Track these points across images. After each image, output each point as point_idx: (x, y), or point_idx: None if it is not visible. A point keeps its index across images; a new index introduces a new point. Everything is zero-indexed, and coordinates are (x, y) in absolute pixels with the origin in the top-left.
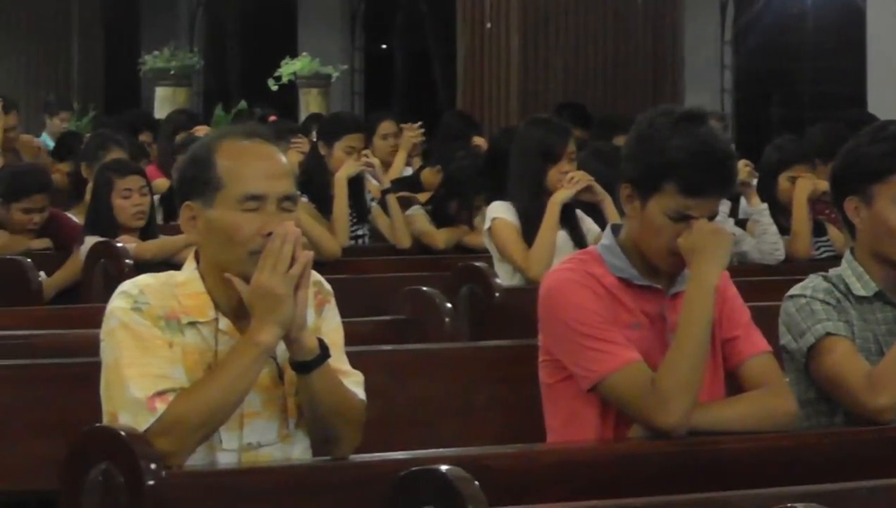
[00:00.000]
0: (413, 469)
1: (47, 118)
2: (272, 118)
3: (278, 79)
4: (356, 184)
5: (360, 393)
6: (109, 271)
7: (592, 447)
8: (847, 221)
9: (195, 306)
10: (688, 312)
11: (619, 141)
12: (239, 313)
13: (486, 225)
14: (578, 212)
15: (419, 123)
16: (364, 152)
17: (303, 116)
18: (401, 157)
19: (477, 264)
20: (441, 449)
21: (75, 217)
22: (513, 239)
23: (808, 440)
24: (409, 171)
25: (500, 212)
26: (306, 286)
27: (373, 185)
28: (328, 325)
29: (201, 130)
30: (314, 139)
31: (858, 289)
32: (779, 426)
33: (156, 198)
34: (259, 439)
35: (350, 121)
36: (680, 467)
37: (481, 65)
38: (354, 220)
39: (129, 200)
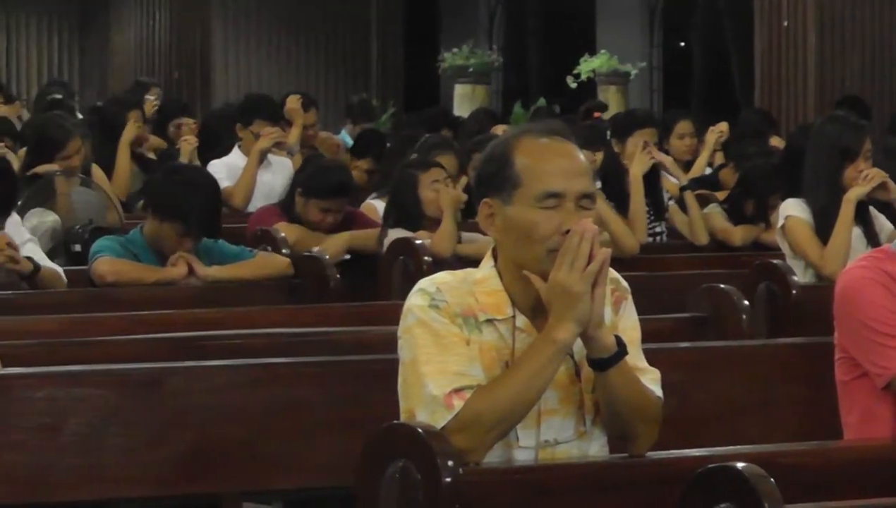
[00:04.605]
0: (710, 466)
1: (349, 121)
2: (597, 114)
3: (577, 76)
4: (653, 181)
5: (657, 391)
6: (409, 268)
7: (887, 445)
8: None
9: (492, 303)
10: None
11: None
12: (536, 310)
13: (780, 223)
14: (872, 209)
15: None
16: (652, 148)
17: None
18: (703, 157)
19: (774, 261)
20: (738, 447)
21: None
22: (807, 236)
23: None
24: (707, 171)
25: (793, 211)
26: (603, 283)
27: (670, 183)
28: (625, 322)
29: (498, 129)
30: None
31: None
32: None
33: None
34: (556, 436)
35: (642, 117)
36: None
37: (778, 62)
38: (652, 218)
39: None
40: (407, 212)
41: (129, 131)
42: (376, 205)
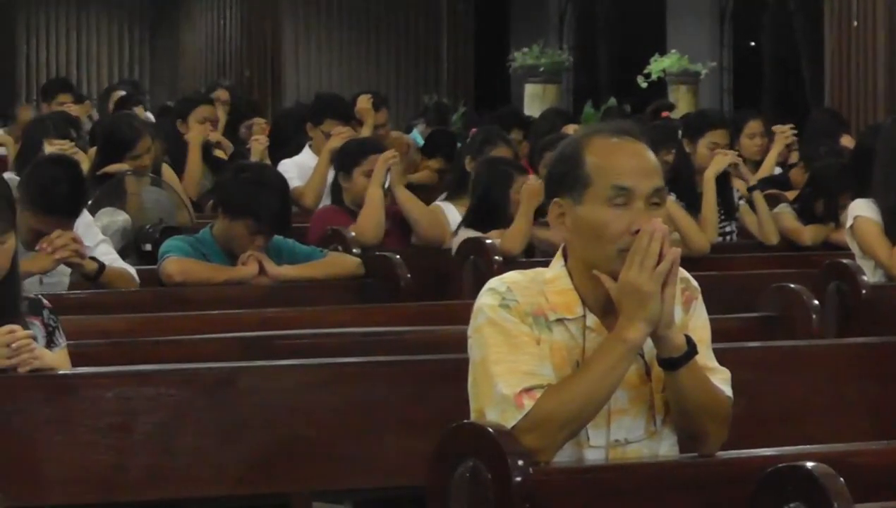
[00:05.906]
0: (779, 465)
1: (423, 121)
2: (664, 114)
3: (647, 76)
4: (724, 180)
5: (727, 390)
6: (479, 267)
7: None
8: None
9: (563, 303)
10: None
11: None
12: (606, 310)
13: (849, 223)
14: None
15: (791, 125)
16: (732, 152)
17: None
18: (772, 157)
19: (844, 261)
20: (807, 446)
21: (457, 208)
22: (876, 236)
23: None
24: (778, 171)
25: (862, 211)
26: (673, 283)
27: (740, 183)
28: (695, 322)
29: (570, 129)
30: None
31: None
32: None
33: None
34: (626, 436)
35: (714, 117)
36: None
37: (848, 62)
38: (722, 217)
39: None
40: (492, 207)
41: (196, 131)
42: (444, 207)
